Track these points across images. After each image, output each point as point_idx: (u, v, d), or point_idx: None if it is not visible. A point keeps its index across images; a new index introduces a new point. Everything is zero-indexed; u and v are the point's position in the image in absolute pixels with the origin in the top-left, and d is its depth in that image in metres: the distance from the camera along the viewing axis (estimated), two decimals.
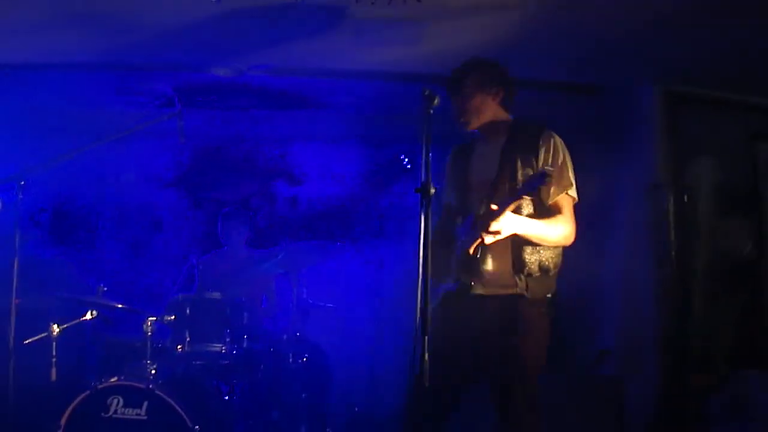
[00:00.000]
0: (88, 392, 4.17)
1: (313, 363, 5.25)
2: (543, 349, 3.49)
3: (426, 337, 2.84)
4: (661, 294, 5.31)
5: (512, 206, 3.23)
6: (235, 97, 6.09)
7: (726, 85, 5.46)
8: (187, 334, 4.66)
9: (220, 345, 4.70)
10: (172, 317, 4.64)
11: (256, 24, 4.61)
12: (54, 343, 4.34)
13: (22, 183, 4.03)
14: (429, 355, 2.81)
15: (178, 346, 4.64)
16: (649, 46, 4.86)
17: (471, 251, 3.35)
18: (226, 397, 4.79)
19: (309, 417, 5.09)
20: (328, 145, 6.90)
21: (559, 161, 3.45)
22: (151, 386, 4.18)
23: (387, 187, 6.91)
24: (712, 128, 5.64)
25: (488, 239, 3.25)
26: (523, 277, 3.40)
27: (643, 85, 5.53)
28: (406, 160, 6.68)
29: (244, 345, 4.80)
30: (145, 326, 4.46)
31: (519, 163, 3.44)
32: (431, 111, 3.22)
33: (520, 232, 3.31)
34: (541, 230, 3.36)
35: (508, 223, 3.23)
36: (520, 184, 3.32)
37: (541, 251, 3.41)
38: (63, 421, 4.13)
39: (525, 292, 3.40)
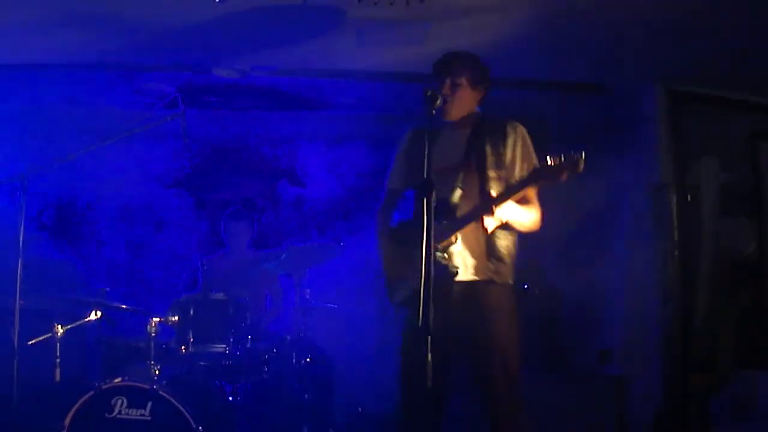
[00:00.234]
0: (92, 393, 4.17)
1: (317, 363, 5.25)
2: (517, 334, 3.57)
3: (429, 337, 2.85)
4: (663, 293, 5.31)
5: (520, 194, 3.36)
6: (238, 98, 6.10)
7: (729, 85, 5.45)
8: (190, 335, 4.65)
9: (224, 346, 4.69)
10: (176, 318, 4.63)
11: (259, 24, 4.61)
12: (58, 344, 4.35)
13: (26, 183, 4.05)
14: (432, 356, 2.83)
15: (182, 347, 4.63)
16: (652, 46, 4.86)
17: (453, 239, 3.44)
18: (230, 398, 4.80)
19: (312, 417, 5.09)
20: (332, 146, 6.90)
21: (528, 150, 3.60)
22: (155, 387, 4.19)
23: None
24: (716, 128, 5.63)
25: (490, 223, 3.35)
26: (495, 261, 3.52)
27: (646, 84, 5.52)
28: None
29: (248, 346, 4.79)
30: (148, 327, 4.47)
31: (488, 150, 3.57)
32: (434, 111, 3.26)
33: (511, 218, 3.44)
34: (523, 216, 3.51)
35: (506, 209, 3.36)
36: (540, 169, 3.35)
37: (507, 238, 3.55)
38: (67, 422, 4.13)
39: (495, 277, 3.52)
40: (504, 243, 3.54)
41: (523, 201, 3.51)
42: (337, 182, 6.99)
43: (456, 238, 3.46)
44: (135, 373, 4.36)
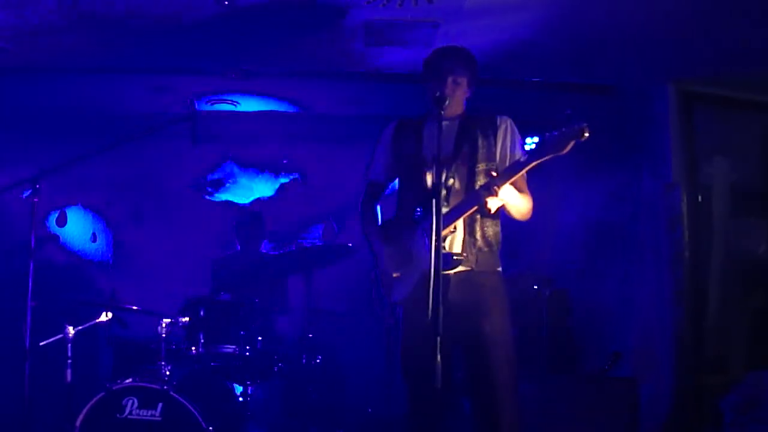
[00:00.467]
0: (103, 393, 4.19)
1: (326, 364, 5.26)
2: (510, 321, 3.58)
3: (438, 338, 2.85)
4: (675, 294, 5.29)
5: (519, 174, 3.34)
6: (246, 99, 6.12)
7: (741, 85, 5.43)
8: (201, 336, 4.66)
9: (234, 346, 4.70)
10: (187, 319, 4.65)
11: (265, 26, 4.62)
12: (69, 345, 4.37)
13: (38, 186, 4.07)
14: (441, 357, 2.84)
15: (193, 348, 4.65)
16: (665, 46, 4.84)
17: (453, 228, 3.45)
18: (240, 399, 4.81)
19: (322, 418, 5.10)
20: (339, 146, 6.89)
21: (517, 139, 3.63)
22: (165, 387, 4.20)
23: None
24: (727, 128, 5.61)
25: (493, 203, 3.34)
26: (489, 249, 3.54)
27: (659, 85, 5.50)
28: None
29: (258, 346, 4.81)
30: (159, 328, 4.49)
31: (480, 140, 3.58)
32: (443, 112, 3.26)
33: (511, 201, 3.45)
34: (520, 201, 3.52)
35: (507, 191, 3.37)
36: (546, 140, 3.22)
37: (496, 226, 3.58)
38: (78, 423, 4.14)
39: (490, 265, 3.55)
40: (493, 231, 3.57)
41: (517, 190, 3.51)
42: (345, 182, 6.98)
43: (455, 228, 3.47)
44: (146, 374, 4.37)
